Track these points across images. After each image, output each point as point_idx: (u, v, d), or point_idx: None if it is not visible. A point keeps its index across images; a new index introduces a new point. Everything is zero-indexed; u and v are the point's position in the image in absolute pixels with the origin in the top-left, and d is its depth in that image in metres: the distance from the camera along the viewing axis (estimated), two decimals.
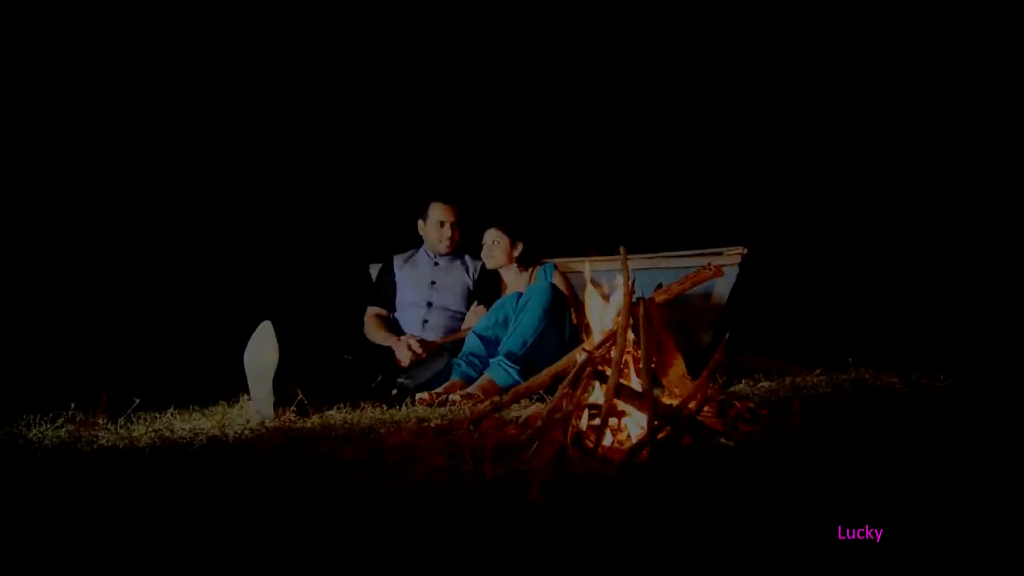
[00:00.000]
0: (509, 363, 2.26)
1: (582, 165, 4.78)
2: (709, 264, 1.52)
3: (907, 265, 4.53)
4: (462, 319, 2.76)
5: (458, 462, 1.21)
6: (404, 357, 2.45)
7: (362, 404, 1.98)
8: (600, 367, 1.48)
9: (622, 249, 1.52)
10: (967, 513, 0.90)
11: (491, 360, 2.32)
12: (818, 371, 2.49)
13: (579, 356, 1.51)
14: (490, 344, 2.42)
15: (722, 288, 2.83)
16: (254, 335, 1.99)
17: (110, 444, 1.43)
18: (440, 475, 1.11)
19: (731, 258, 2.80)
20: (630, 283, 1.49)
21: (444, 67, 4.74)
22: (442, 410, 1.90)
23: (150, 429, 1.63)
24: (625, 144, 4.79)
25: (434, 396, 2.09)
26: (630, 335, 1.46)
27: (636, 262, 3.06)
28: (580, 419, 1.41)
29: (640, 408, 1.34)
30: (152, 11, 4.19)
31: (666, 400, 1.57)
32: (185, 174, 4.43)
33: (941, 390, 2.00)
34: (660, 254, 3.00)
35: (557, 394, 1.41)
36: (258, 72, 4.56)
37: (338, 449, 1.22)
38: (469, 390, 2.16)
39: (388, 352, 2.49)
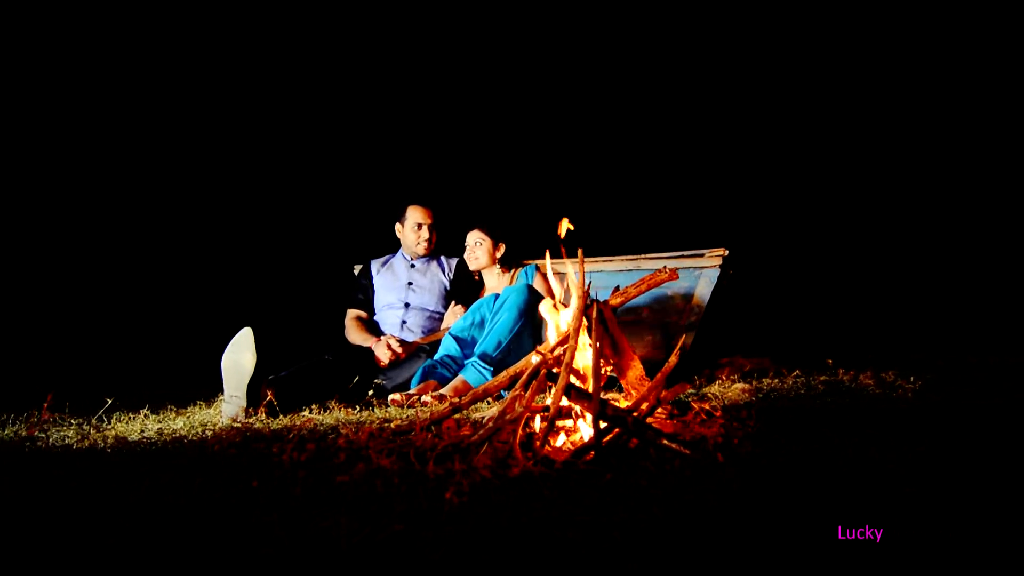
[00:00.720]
0: (483, 364, 2.25)
1: (572, 167, 4.78)
2: (665, 267, 1.52)
3: (895, 268, 4.51)
4: (440, 319, 2.78)
5: (404, 463, 1.23)
6: (384, 356, 2.46)
7: (331, 405, 2.00)
8: (555, 369, 1.49)
9: (579, 252, 1.53)
10: (936, 510, 0.90)
11: (466, 361, 2.33)
12: (796, 372, 2.49)
13: (534, 358, 1.52)
14: (466, 345, 2.42)
15: (704, 289, 2.82)
16: (234, 340, 2.01)
17: (76, 443, 1.46)
18: (380, 477, 1.13)
19: (712, 259, 2.80)
20: (585, 286, 1.50)
21: (423, 71, 4.76)
22: (410, 411, 1.92)
23: (119, 428, 1.67)
24: (614, 146, 4.79)
25: (406, 397, 2.11)
26: (584, 337, 1.47)
27: (619, 263, 3.06)
28: (533, 420, 1.43)
29: (589, 410, 1.36)
30: (129, 21, 4.24)
31: (622, 403, 1.58)
32: (172, 179, 4.49)
33: (911, 390, 2.00)
34: (642, 256, 3.01)
35: (508, 396, 1.42)
36: (239, 78, 4.61)
37: (287, 449, 1.24)
38: (442, 391, 2.16)
39: (368, 353, 2.51)
